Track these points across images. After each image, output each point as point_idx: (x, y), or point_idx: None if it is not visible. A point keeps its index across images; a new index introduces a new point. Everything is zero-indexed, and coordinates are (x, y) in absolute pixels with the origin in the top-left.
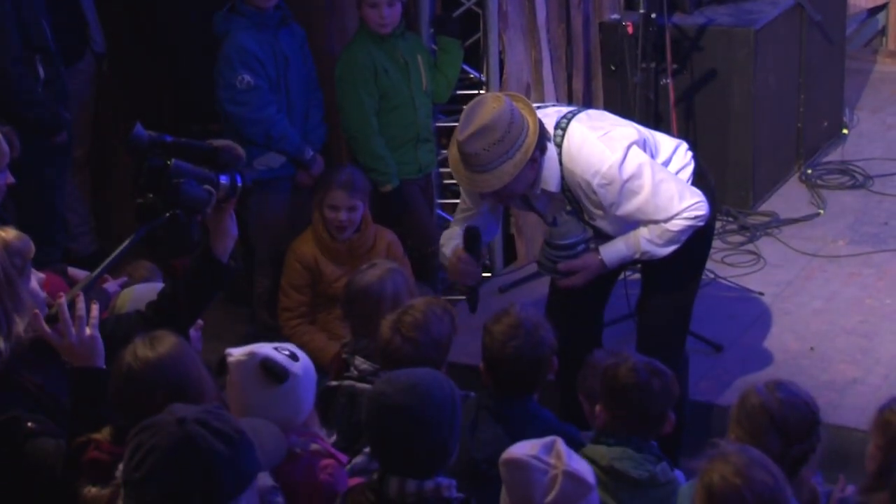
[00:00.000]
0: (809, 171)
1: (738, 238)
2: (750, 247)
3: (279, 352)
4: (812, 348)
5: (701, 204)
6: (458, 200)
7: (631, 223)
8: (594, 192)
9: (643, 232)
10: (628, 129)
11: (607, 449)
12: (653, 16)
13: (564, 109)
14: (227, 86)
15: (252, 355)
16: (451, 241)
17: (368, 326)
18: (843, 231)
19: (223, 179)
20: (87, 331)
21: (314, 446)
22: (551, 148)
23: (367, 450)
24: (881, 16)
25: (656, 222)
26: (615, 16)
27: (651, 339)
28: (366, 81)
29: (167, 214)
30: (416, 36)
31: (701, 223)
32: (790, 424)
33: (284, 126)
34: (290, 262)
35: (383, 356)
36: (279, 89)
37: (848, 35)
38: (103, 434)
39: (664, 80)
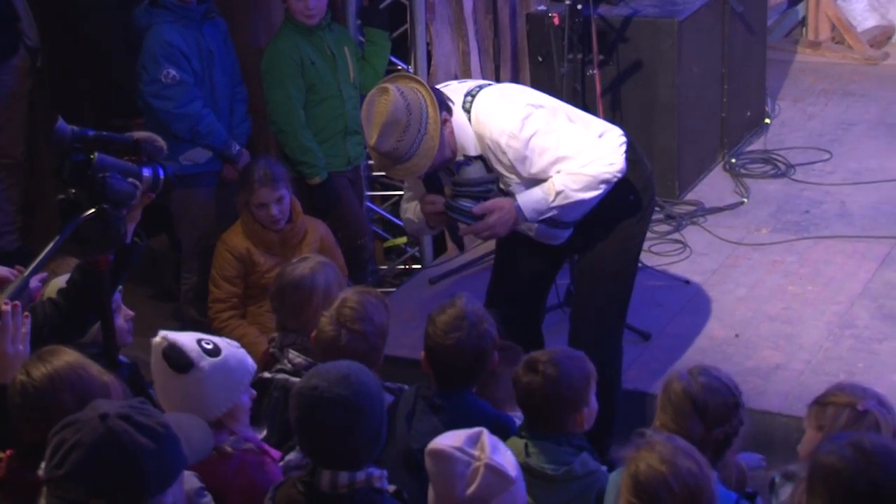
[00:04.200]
0: (733, 161)
1: (664, 227)
2: (676, 235)
3: (201, 343)
4: (737, 335)
5: (614, 154)
6: (387, 192)
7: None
8: (503, 152)
9: (558, 175)
10: (539, 97)
11: (524, 443)
12: (579, 7)
13: (483, 82)
14: (152, 80)
15: (163, 340)
16: (408, 209)
17: (298, 320)
18: (766, 219)
19: (146, 172)
20: (20, 346)
21: (246, 444)
22: (461, 114)
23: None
24: (801, 6)
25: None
26: (542, 7)
27: (585, 330)
28: (293, 74)
29: (94, 209)
30: (342, 27)
31: (617, 174)
32: (710, 408)
33: (211, 121)
34: (221, 252)
35: (328, 353)
36: (204, 84)
37: (769, 26)
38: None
39: (591, 71)
